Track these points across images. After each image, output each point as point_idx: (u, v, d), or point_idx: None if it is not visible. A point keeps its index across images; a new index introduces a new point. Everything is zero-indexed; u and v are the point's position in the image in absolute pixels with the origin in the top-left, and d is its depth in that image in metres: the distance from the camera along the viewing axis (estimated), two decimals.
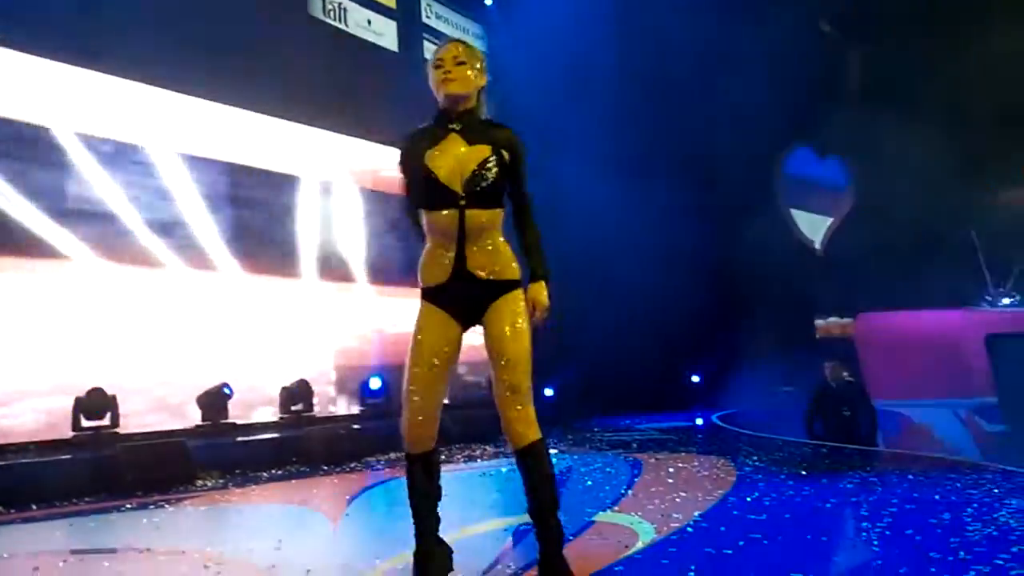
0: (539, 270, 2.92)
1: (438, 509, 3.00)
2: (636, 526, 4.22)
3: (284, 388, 8.76)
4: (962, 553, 3.33)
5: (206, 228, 8.70)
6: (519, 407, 2.78)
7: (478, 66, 2.93)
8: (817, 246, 15.13)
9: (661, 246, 12.24)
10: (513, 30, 12.55)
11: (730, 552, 3.57)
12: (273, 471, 7.24)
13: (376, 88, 9.93)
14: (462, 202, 2.78)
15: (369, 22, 10.77)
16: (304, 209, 9.81)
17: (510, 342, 2.80)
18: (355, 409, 9.65)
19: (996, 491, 4.70)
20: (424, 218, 2.89)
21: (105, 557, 4.14)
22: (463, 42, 2.98)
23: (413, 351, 2.90)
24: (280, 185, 9.64)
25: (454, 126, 2.87)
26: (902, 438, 9.14)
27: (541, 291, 2.90)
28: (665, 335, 13.17)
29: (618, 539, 3.93)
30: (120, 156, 7.98)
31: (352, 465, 7.47)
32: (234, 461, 7.26)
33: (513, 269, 2.87)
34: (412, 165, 2.87)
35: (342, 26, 10.39)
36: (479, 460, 7.66)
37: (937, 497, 4.60)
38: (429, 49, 11.50)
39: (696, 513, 4.46)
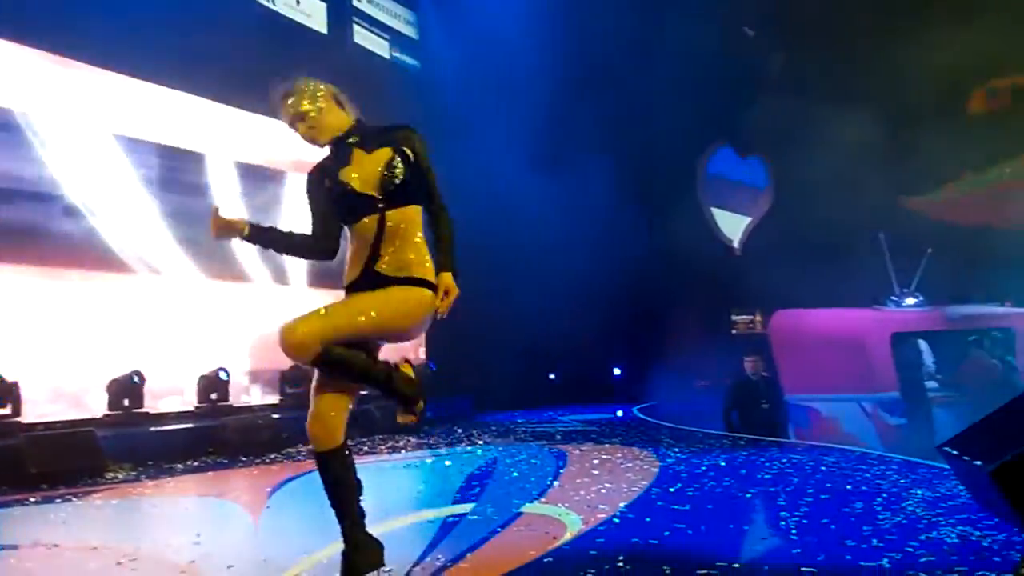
0: (445, 266, 2.82)
1: (359, 503, 2.91)
2: (564, 517, 4.26)
3: (202, 376, 8.47)
4: (875, 541, 3.49)
5: (119, 213, 8.33)
6: (304, 320, 2.65)
7: (317, 103, 2.92)
8: (736, 244, 15.57)
9: (585, 241, 12.40)
10: (446, 17, 12.45)
11: (656, 542, 3.64)
12: (188, 462, 7.00)
13: (300, 71, 9.65)
14: (381, 205, 2.81)
15: (298, 1, 10.48)
16: (229, 193, 9.48)
17: (359, 295, 2.78)
18: (274, 399, 9.41)
19: (902, 481, 4.95)
20: (348, 232, 2.92)
21: (9, 554, 3.91)
22: (289, 92, 2.96)
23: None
24: (200, 167, 9.30)
25: (351, 140, 2.93)
26: (812, 431, 9.52)
27: (450, 279, 2.79)
28: (587, 329, 13.37)
29: (546, 530, 3.97)
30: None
31: (272, 456, 7.29)
32: (147, 452, 6.97)
33: (424, 268, 2.82)
34: (328, 186, 2.89)
35: (270, 5, 10.07)
36: (403, 451, 7.60)
37: (849, 487, 4.81)
38: (359, 33, 11.33)
39: (622, 504, 4.53)
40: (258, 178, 10.00)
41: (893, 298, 10.15)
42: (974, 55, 11.84)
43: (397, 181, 2.80)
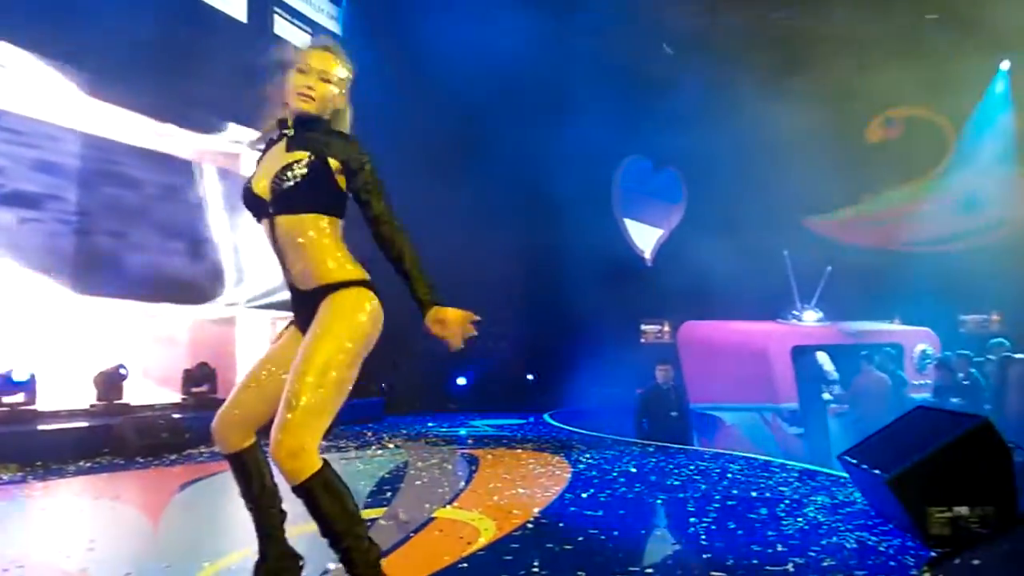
0: (422, 297, 2.53)
1: (276, 508, 2.72)
2: (477, 522, 4.24)
3: (99, 373, 8.03)
4: (780, 545, 3.62)
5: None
6: (286, 429, 2.32)
7: (344, 86, 2.70)
8: (648, 255, 15.93)
9: (499, 249, 12.45)
10: (370, 15, 12.26)
11: (570, 547, 3.67)
12: (82, 463, 6.60)
13: (217, 59, 9.31)
14: (270, 210, 2.54)
15: None
16: (142, 185, 9.06)
17: (308, 349, 2.41)
18: (176, 397, 9.02)
19: (803, 489, 5.16)
20: None
21: None
22: (336, 53, 2.70)
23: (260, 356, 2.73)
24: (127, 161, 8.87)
25: (287, 131, 2.65)
26: (716, 439, 9.83)
27: (438, 313, 2.50)
28: (499, 335, 13.41)
29: (460, 535, 3.93)
30: None
31: (173, 458, 6.97)
32: (35, 452, 6.53)
33: (328, 270, 2.52)
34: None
35: None
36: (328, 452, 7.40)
37: (754, 494, 4.97)
38: (280, 24, 11.02)
39: (535, 509, 4.54)
40: (167, 168, 9.59)
41: (795, 312, 10.58)
42: (872, 86, 12.56)
43: (288, 183, 2.48)
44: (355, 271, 2.55)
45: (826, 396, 9.71)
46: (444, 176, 11.68)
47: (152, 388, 8.97)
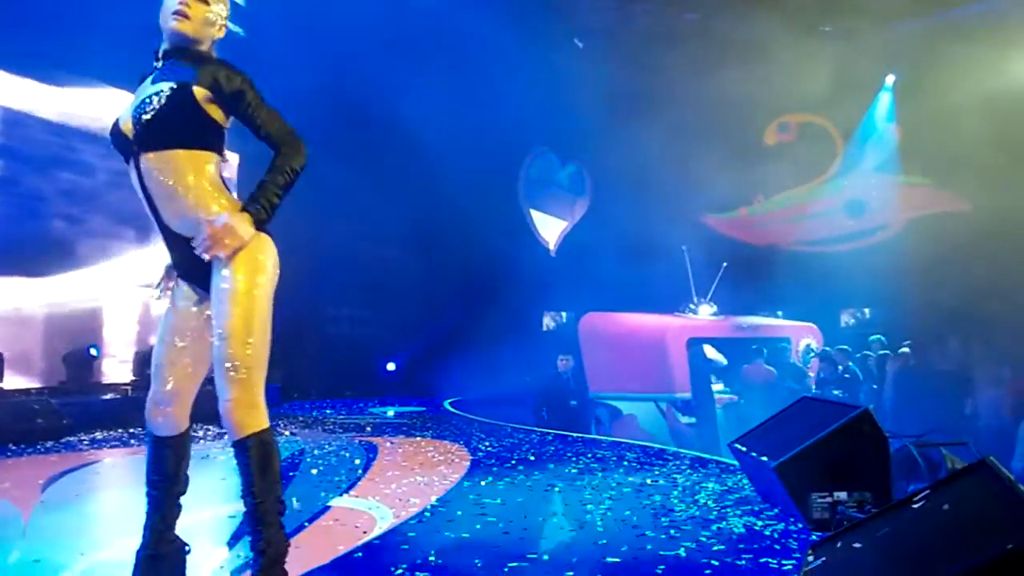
0: (249, 203, 2.38)
1: (180, 501, 2.64)
2: (374, 511, 4.16)
3: None
4: (673, 531, 3.71)
5: None
6: (240, 384, 2.34)
7: (222, 12, 2.55)
8: (552, 247, 16.07)
9: (401, 236, 12.32)
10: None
11: (467, 536, 3.65)
12: None
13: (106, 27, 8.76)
14: (134, 148, 2.40)
15: None
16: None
17: (225, 308, 2.34)
18: (54, 382, 8.48)
19: (695, 476, 5.31)
20: None
21: None
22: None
23: (160, 326, 2.64)
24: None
25: (158, 64, 2.49)
26: (613, 427, 10.03)
27: (236, 223, 2.31)
28: (402, 322, 13.31)
29: (356, 524, 3.86)
30: None
31: (49, 445, 6.55)
32: None
33: (221, 205, 2.38)
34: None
35: None
36: (201, 442, 7.11)
37: (648, 482, 5.08)
38: None
39: (434, 498, 4.51)
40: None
41: (691, 306, 10.90)
42: (769, 92, 13.05)
43: (147, 117, 2.34)
44: (234, 206, 2.41)
45: (717, 387, 10.07)
46: (344, 159, 11.41)
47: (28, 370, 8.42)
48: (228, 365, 2.34)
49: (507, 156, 14.92)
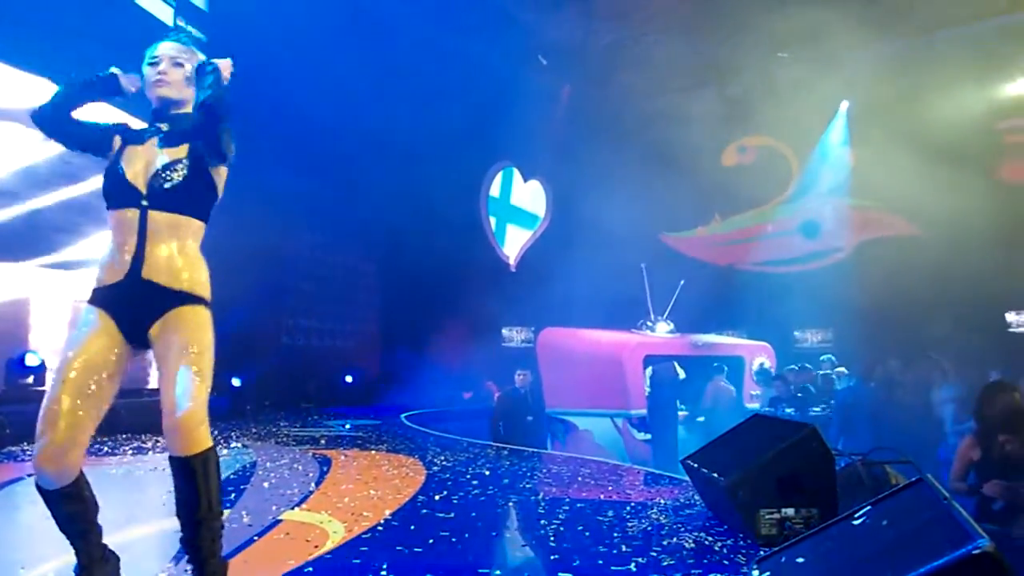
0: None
1: (96, 520, 2.59)
2: (326, 524, 4.12)
3: None
4: (624, 547, 3.74)
5: None
6: (195, 399, 2.43)
7: (189, 58, 2.79)
8: (512, 262, 16.14)
9: (363, 249, 12.28)
10: None
11: (420, 550, 3.63)
12: None
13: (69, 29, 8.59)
14: (144, 202, 2.58)
15: None
16: None
17: (183, 358, 2.48)
18: None
19: (648, 491, 5.36)
20: (109, 219, 2.63)
21: None
22: (182, 40, 2.83)
23: (65, 367, 2.47)
24: None
25: (162, 126, 2.73)
26: (568, 443, 10.06)
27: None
28: (359, 335, 13.22)
29: (308, 538, 3.81)
30: None
31: None
32: None
33: (197, 281, 2.61)
34: (110, 156, 2.68)
35: None
36: (150, 453, 6.97)
37: (602, 497, 5.12)
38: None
39: (387, 512, 4.47)
40: None
41: (648, 323, 10.99)
42: (729, 114, 13.34)
43: (171, 183, 2.60)
44: (207, 289, 2.67)
45: (682, 413, 10.15)
46: (307, 169, 11.35)
47: None
48: (187, 390, 2.43)
49: (470, 170, 14.97)
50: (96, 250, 9.20)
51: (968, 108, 11.96)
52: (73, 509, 2.50)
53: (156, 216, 2.57)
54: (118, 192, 2.60)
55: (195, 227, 2.67)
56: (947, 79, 11.87)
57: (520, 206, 16.40)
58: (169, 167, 2.61)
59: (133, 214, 2.57)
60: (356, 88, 11.59)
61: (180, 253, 2.60)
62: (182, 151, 2.64)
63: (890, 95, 12.24)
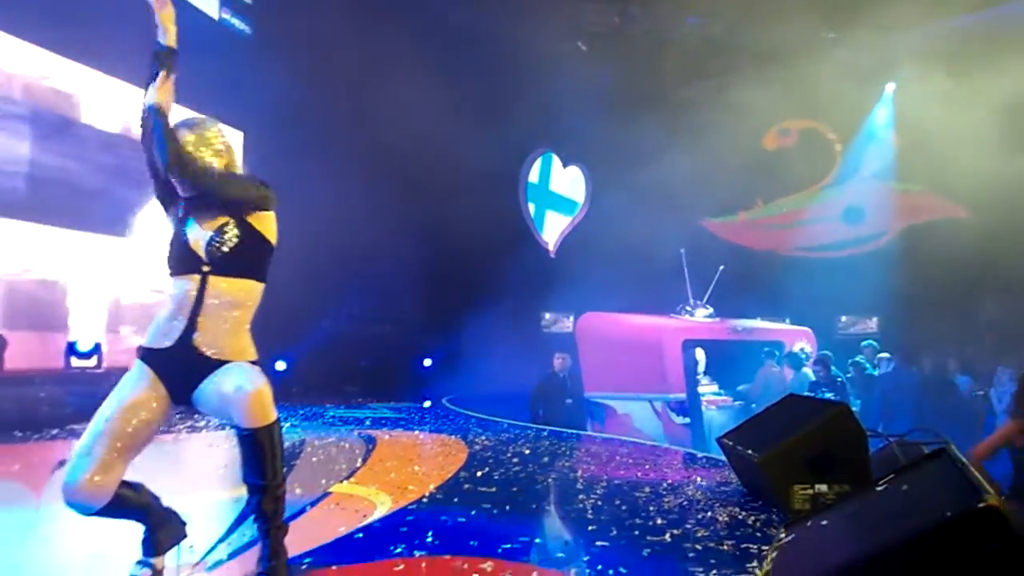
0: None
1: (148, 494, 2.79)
2: (373, 497, 4.31)
3: None
4: (659, 519, 3.86)
5: None
6: (263, 382, 2.68)
7: (218, 151, 2.85)
8: (551, 248, 16.22)
9: (404, 235, 12.45)
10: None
11: (464, 520, 3.80)
12: None
13: (113, 22, 8.83)
14: (205, 268, 2.68)
15: None
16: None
17: (239, 367, 2.67)
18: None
19: (685, 470, 5.46)
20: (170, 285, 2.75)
21: None
22: (206, 127, 2.86)
23: (112, 412, 2.60)
24: None
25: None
26: (607, 426, 10.17)
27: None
28: (402, 320, 13.46)
29: (356, 508, 4.00)
30: None
31: (55, 432, 6.70)
32: None
33: (242, 350, 2.73)
34: (176, 227, 2.78)
35: None
36: (203, 431, 7.27)
37: (639, 475, 5.23)
38: None
39: (431, 486, 4.65)
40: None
41: (687, 308, 11.03)
42: (771, 97, 13.19)
43: (226, 247, 2.67)
44: (255, 354, 2.78)
45: (711, 388, 10.20)
46: (348, 159, 11.55)
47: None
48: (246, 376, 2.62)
49: (509, 157, 15.05)
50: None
51: (1021, 85, 11.68)
52: (118, 512, 2.66)
53: (213, 281, 2.66)
54: (180, 256, 2.70)
55: (251, 290, 2.75)
56: (999, 57, 11.59)
57: (559, 192, 16.45)
58: (220, 232, 2.69)
59: (194, 280, 2.66)
60: (393, 77, 11.73)
61: (235, 326, 2.70)
62: (224, 218, 2.72)
63: (939, 74, 11.99)
